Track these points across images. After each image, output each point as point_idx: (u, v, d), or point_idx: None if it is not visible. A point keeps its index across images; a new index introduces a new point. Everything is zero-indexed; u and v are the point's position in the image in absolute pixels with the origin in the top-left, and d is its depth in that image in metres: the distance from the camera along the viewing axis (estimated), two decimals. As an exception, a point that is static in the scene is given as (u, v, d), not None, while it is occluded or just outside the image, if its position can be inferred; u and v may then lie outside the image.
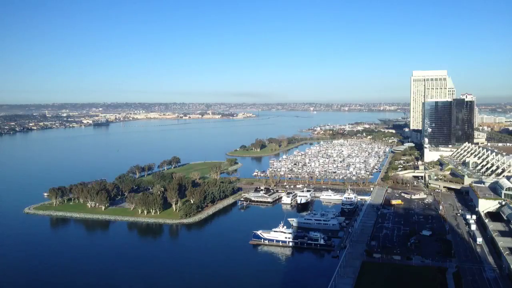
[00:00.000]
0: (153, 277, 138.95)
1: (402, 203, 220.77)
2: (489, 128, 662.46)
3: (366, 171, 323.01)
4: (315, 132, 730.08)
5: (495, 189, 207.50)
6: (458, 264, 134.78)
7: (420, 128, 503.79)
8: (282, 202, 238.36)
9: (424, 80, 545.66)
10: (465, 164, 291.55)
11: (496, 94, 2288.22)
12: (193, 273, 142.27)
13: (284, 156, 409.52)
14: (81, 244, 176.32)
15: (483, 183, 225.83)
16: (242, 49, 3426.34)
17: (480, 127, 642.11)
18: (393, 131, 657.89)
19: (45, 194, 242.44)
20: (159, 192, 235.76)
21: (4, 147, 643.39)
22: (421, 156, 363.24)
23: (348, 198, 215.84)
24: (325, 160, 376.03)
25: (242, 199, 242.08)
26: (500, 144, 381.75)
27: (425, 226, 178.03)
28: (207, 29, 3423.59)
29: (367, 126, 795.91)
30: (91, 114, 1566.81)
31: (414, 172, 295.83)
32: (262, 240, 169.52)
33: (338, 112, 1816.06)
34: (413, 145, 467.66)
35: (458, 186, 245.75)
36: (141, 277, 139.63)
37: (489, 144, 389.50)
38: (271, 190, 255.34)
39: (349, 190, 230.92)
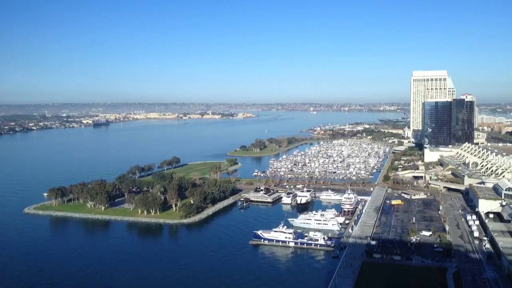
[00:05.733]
0: (153, 277, 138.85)
1: (402, 203, 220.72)
2: (489, 128, 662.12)
3: (366, 171, 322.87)
4: (315, 132, 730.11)
5: (495, 189, 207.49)
6: (458, 264, 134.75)
7: (420, 128, 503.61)
8: (282, 202, 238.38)
9: (424, 80, 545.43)
10: (465, 164, 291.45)
11: (496, 94, 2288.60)
12: (193, 273, 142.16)
13: (284, 156, 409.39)
14: (81, 244, 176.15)
15: (483, 183, 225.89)
16: (242, 49, 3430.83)
17: (480, 127, 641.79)
18: (399, 131, 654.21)
19: (45, 194, 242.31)
20: (159, 192, 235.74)
21: (4, 147, 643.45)
22: (421, 156, 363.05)
23: (348, 198, 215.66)
24: (325, 160, 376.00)
25: (242, 199, 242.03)
26: (500, 144, 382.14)
27: (425, 226, 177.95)
28: (207, 29, 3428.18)
29: (367, 126, 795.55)
30: (91, 114, 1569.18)
31: (414, 172, 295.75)
32: (262, 240, 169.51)
33: (338, 112, 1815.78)
34: (413, 145, 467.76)
35: (458, 187, 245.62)
36: (141, 277, 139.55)
37: (489, 144, 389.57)
38: (271, 190, 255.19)
39: (349, 190, 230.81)
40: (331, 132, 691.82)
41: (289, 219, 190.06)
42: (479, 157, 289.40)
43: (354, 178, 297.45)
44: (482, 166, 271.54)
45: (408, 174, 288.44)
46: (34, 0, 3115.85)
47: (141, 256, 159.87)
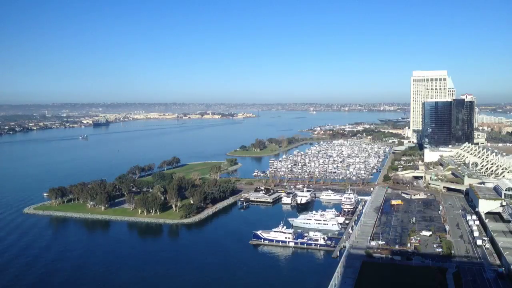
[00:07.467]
0: (153, 277, 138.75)
1: (402, 203, 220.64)
2: (489, 128, 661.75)
3: (366, 171, 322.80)
4: (315, 132, 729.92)
5: (496, 189, 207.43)
6: (458, 264, 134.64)
7: (420, 128, 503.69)
8: (282, 202, 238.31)
9: (424, 80, 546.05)
10: (465, 164, 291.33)
11: (496, 94, 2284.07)
12: (193, 273, 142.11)
13: (284, 156, 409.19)
14: (81, 244, 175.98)
15: (484, 183, 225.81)
16: (242, 49, 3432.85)
17: (480, 127, 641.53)
18: (399, 131, 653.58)
19: (45, 194, 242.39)
20: (159, 192, 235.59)
21: (4, 147, 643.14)
22: (421, 156, 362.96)
23: (348, 198, 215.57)
24: (325, 160, 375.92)
25: (242, 199, 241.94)
26: (500, 144, 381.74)
27: (425, 226, 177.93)
28: (207, 29, 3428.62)
29: (367, 126, 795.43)
30: (91, 114, 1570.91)
31: (414, 172, 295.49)
32: (262, 240, 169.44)
33: (338, 112, 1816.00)
34: (413, 145, 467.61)
35: (458, 187, 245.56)
36: (141, 277, 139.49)
37: (489, 144, 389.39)
38: (271, 190, 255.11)
39: (349, 190, 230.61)
40: (331, 132, 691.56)
41: (289, 219, 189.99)
42: (479, 157, 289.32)
43: (354, 178, 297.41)
44: (482, 166, 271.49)
45: (408, 174, 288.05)
46: (33, 0, 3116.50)
47: (141, 256, 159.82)
